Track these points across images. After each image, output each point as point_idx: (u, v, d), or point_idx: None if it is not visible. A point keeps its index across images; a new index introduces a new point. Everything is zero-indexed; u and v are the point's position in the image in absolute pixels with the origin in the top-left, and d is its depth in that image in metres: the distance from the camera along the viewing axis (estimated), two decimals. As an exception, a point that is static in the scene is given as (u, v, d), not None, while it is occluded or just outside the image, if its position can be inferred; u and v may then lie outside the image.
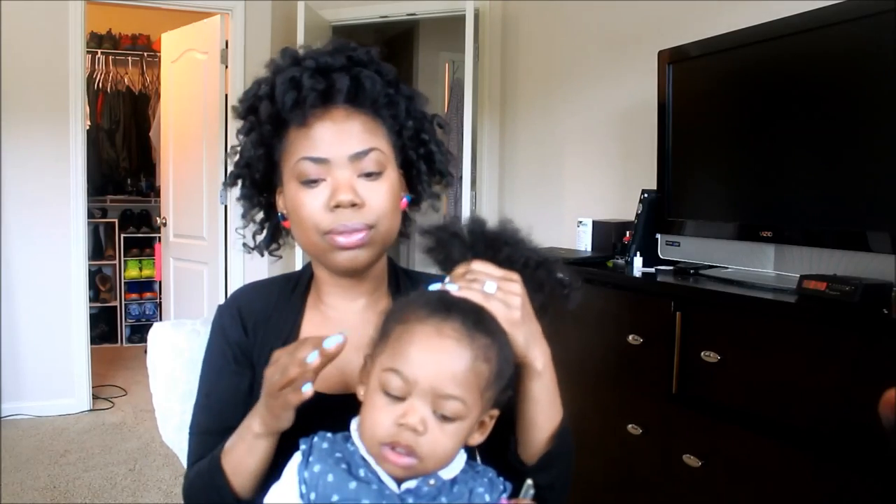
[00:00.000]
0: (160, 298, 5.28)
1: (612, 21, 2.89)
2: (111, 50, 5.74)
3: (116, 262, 5.62)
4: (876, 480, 1.35)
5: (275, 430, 0.82)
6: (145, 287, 5.69)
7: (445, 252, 0.83)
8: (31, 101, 3.71)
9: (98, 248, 5.56)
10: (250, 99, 0.95)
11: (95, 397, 3.99)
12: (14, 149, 3.69)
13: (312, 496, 0.74)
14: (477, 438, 0.77)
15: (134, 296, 5.67)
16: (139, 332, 5.51)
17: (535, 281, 0.84)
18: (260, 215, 1.05)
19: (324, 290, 1.00)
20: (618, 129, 2.88)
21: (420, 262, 0.96)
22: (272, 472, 0.87)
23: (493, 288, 0.79)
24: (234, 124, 1.02)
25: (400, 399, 0.71)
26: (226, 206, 4.05)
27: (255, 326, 0.99)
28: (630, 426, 1.96)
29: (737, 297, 1.72)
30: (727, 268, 2.01)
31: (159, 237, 4.84)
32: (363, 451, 0.75)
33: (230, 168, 1.04)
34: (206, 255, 4.22)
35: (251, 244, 1.07)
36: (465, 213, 3.43)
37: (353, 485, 0.73)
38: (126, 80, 5.79)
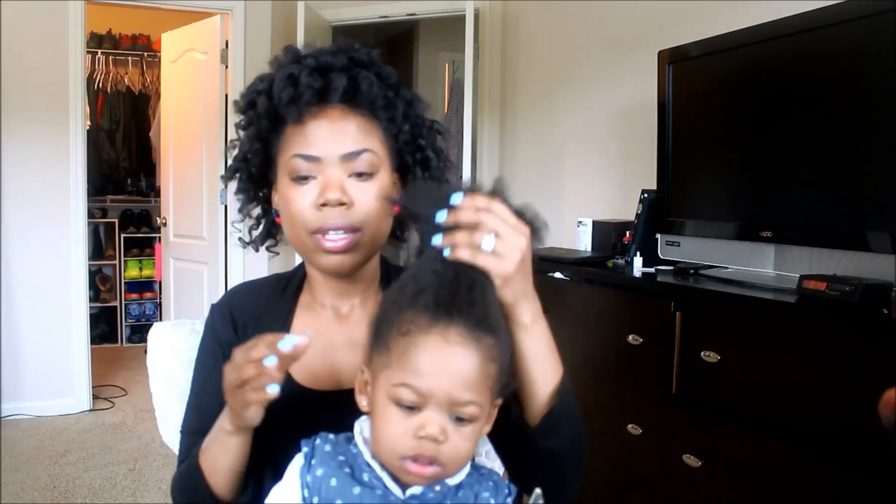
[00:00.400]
0: (160, 298, 5.28)
1: (612, 21, 2.89)
2: (111, 50, 5.75)
3: (116, 262, 5.62)
4: (876, 480, 1.35)
5: (242, 428, 0.81)
6: (145, 287, 5.69)
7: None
8: (31, 101, 3.71)
9: (98, 248, 5.56)
10: (250, 94, 0.96)
11: (95, 397, 3.99)
12: (14, 149, 3.69)
13: (315, 500, 0.73)
14: (485, 430, 0.76)
15: (134, 296, 5.67)
16: (139, 332, 5.51)
17: None
18: (257, 211, 1.05)
19: (316, 289, 1.00)
20: (618, 129, 2.88)
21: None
22: (273, 472, 0.87)
23: (491, 246, 0.74)
24: (235, 119, 1.02)
25: (415, 410, 0.70)
26: (226, 206, 4.05)
27: (246, 326, 0.99)
28: (630, 426, 1.96)
29: (737, 297, 1.72)
30: (727, 268, 2.01)
31: (159, 237, 4.84)
32: (367, 457, 0.75)
33: (229, 163, 1.04)
34: (206, 254, 4.22)
35: (247, 239, 1.07)
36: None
37: (356, 490, 0.73)
38: (126, 80, 5.79)
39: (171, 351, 1.13)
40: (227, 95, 4.02)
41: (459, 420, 0.71)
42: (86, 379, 3.91)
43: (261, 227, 1.06)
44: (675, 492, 1.82)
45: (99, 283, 5.61)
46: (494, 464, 0.98)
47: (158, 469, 3.09)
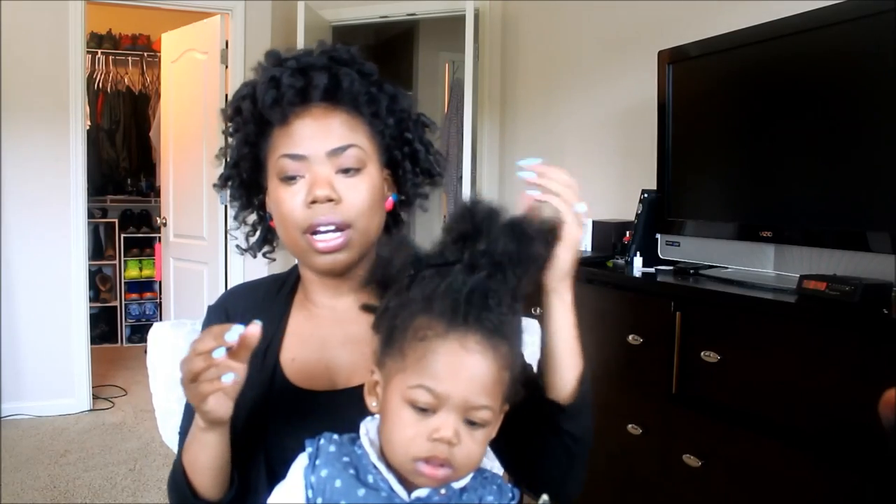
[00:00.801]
0: (160, 298, 5.28)
1: (612, 21, 2.89)
2: (111, 50, 5.75)
3: (116, 262, 5.62)
4: (876, 480, 1.35)
5: (213, 422, 0.80)
6: (145, 287, 5.69)
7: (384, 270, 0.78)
8: (31, 101, 3.71)
9: (98, 248, 5.56)
10: (235, 100, 0.97)
11: (95, 397, 3.99)
12: (14, 149, 3.69)
13: (319, 501, 0.73)
14: (492, 435, 0.77)
15: (134, 296, 5.67)
16: (139, 332, 5.51)
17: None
18: (252, 217, 1.05)
19: (310, 289, 1.00)
20: (618, 129, 2.88)
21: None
22: (268, 471, 0.87)
23: (584, 210, 0.82)
24: (222, 127, 1.02)
25: (429, 413, 0.71)
26: (226, 207, 4.05)
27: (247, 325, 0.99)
28: (630, 426, 1.96)
29: (737, 297, 1.72)
30: (727, 268, 2.01)
31: (159, 237, 4.84)
32: (374, 458, 0.75)
33: (220, 171, 1.04)
34: (206, 255, 4.22)
35: (244, 245, 1.07)
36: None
37: (361, 491, 0.73)
38: (126, 80, 5.79)
39: (171, 351, 1.13)
40: (227, 95, 4.01)
41: (472, 424, 0.72)
42: (86, 379, 3.91)
43: (257, 233, 1.06)
44: (675, 492, 1.82)
45: (99, 283, 5.61)
46: (493, 464, 0.98)
47: (158, 469, 3.09)
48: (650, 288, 2.03)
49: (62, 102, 3.77)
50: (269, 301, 1.02)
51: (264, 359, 0.95)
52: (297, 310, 1.01)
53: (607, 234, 2.43)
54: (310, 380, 0.95)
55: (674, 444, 1.82)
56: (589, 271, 2.23)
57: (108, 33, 5.74)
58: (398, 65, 5.21)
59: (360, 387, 0.79)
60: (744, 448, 1.64)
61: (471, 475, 0.77)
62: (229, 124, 0.99)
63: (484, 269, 0.73)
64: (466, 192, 3.53)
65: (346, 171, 0.91)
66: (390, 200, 0.99)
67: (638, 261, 2.18)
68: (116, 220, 5.66)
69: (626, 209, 2.55)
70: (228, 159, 1.00)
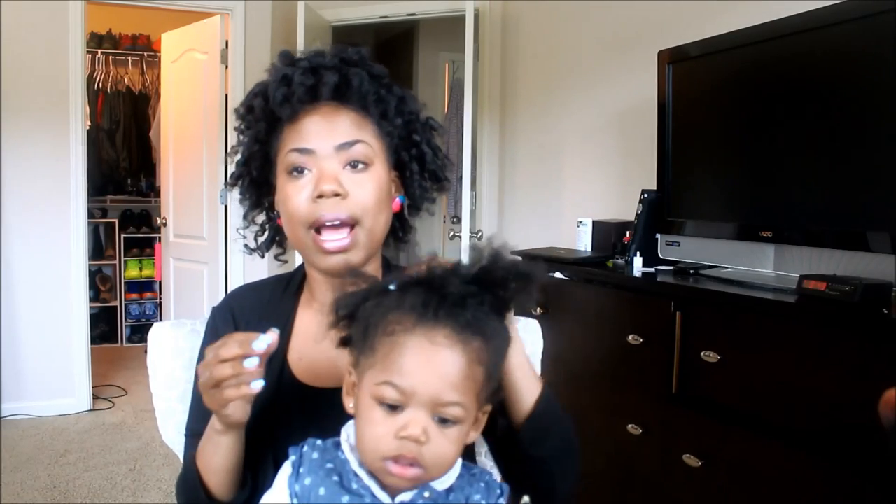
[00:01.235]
0: (160, 298, 5.28)
1: (612, 21, 2.89)
2: (111, 50, 5.75)
3: (116, 262, 5.62)
4: (876, 480, 1.35)
5: (230, 425, 0.82)
6: (145, 287, 5.69)
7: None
8: (31, 101, 3.71)
9: (98, 248, 5.56)
10: (248, 99, 0.98)
11: (95, 397, 3.99)
12: (14, 149, 3.69)
13: None
14: (472, 436, 0.76)
15: (134, 296, 5.67)
16: (139, 332, 5.51)
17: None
18: (261, 217, 1.06)
19: (316, 288, 1.01)
20: (617, 129, 2.88)
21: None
22: (276, 469, 0.87)
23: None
24: (235, 125, 1.04)
25: (398, 410, 0.70)
26: (226, 206, 4.05)
27: (248, 328, 0.99)
28: (630, 426, 1.96)
29: (737, 297, 1.72)
30: (727, 268, 2.01)
31: (159, 237, 4.84)
32: (354, 465, 0.74)
33: (230, 167, 1.05)
34: (206, 255, 4.22)
35: (252, 245, 1.07)
36: (465, 213, 3.43)
37: (345, 499, 0.72)
38: (126, 80, 5.79)
39: (171, 351, 1.13)
40: (227, 95, 4.02)
41: (443, 422, 0.70)
42: (86, 379, 3.91)
43: (266, 233, 1.07)
44: (675, 492, 1.82)
45: (99, 283, 5.61)
46: (489, 461, 0.98)
47: (158, 469, 3.09)
48: (650, 288, 2.03)
49: (62, 102, 3.77)
50: (275, 301, 1.02)
51: (271, 358, 0.95)
52: (304, 308, 1.02)
53: (607, 234, 2.43)
54: (317, 378, 0.96)
55: (674, 444, 1.82)
56: (589, 271, 2.23)
57: (108, 33, 5.74)
58: (398, 65, 5.21)
59: None
60: (744, 448, 1.64)
61: (456, 474, 0.76)
62: (241, 122, 1.00)
63: (474, 288, 0.73)
64: (466, 192, 3.53)
65: (353, 166, 0.92)
66: (397, 202, 0.99)
67: (638, 261, 2.18)
68: (116, 220, 5.66)
69: (626, 209, 2.55)
70: (239, 157, 1.01)
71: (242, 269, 4.08)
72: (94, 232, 5.49)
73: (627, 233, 2.30)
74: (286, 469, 0.76)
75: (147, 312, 5.68)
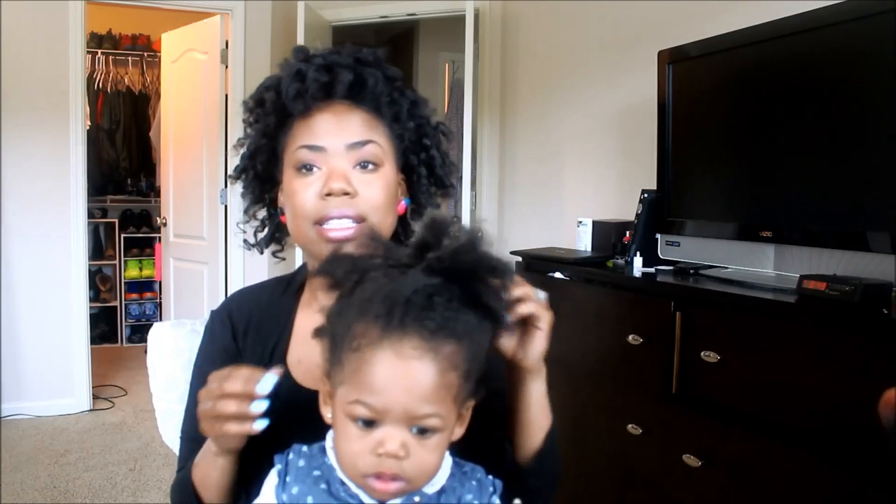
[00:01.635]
0: (160, 298, 5.28)
1: (612, 21, 2.89)
2: (111, 50, 5.75)
3: (116, 262, 5.62)
4: (876, 480, 1.35)
5: (225, 451, 0.81)
6: (145, 287, 5.69)
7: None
8: (31, 101, 3.71)
9: (98, 248, 5.56)
10: (259, 92, 0.98)
11: (95, 397, 3.99)
12: (14, 149, 3.69)
13: None
14: (458, 433, 0.75)
15: (134, 296, 5.67)
16: (139, 332, 5.51)
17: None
18: (262, 213, 1.05)
19: (317, 288, 1.00)
20: (618, 130, 2.88)
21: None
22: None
23: (543, 296, 0.80)
24: (244, 117, 1.03)
25: (373, 426, 0.68)
26: (226, 206, 4.05)
27: (246, 330, 0.99)
28: (630, 426, 1.96)
29: (737, 297, 1.72)
30: (727, 268, 2.01)
31: (159, 237, 4.84)
32: (340, 473, 0.73)
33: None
34: (206, 255, 4.22)
35: (251, 241, 1.07)
36: (465, 213, 3.43)
37: None
38: (126, 80, 5.79)
39: (171, 351, 1.13)
40: (227, 95, 4.02)
41: (422, 432, 0.68)
42: (86, 379, 3.91)
43: (266, 229, 1.06)
44: (675, 492, 1.82)
45: (99, 283, 5.61)
46: None
47: (158, 469, 3.09)
48: (650, 288, 2.03)
49: (62, 102, 3.77)
50: (275, 302, 1.02)
51: (270, 360, 0.95)
52: (304, 310, 1.01)
53: (607, 234, 2.42)
54: (316, 381, 0.95)
55: (674, 444, 1.82)
56: (589, 271, 2.23)
57: (108, 33, 5.74)
58: (398, 65, 5.13)
59: None
60: (744, 448, 1.64)
61: (447, 474, 0.74)
62: (250, 115, 1.00)
63: (441, 275, 0.70)
64: (466, 192, 3.53)
65: (363, 166, 0.92)
66: (402, 204, 0.99)
67: (638, 261, 2.18)
68: (116, 220, 5.66)
69: (626, 209, 2.55)
70: (245, 150, 1.01)
71: (242, 269, 4.08)
72: (94, 232, 5.48)
73: (627, 233, 2.30)
74: (272, 478, 0.75)
75: (147, 312, 5.68)
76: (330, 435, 0.75)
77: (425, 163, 1.00)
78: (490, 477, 0.78)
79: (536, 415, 0.86)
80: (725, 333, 1.70)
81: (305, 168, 0.92)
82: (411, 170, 1.00)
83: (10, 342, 3.72)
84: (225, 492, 0.86)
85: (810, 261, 1.76)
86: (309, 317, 1.00)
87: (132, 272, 5.66)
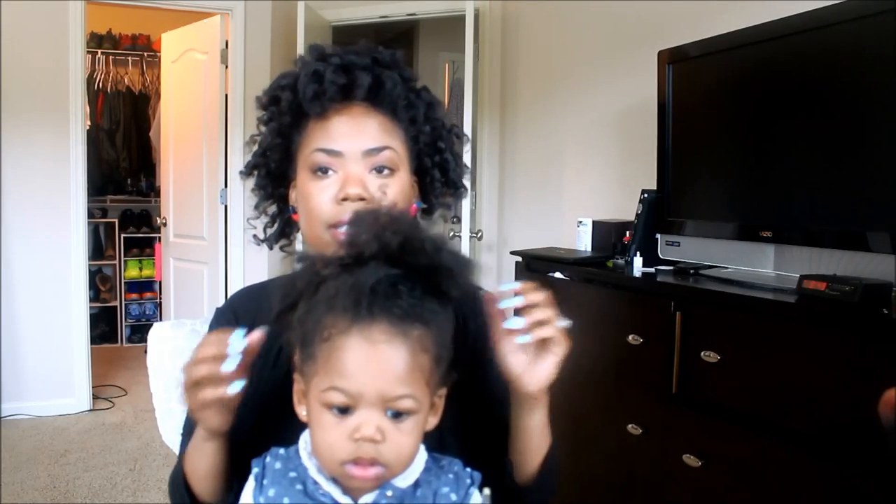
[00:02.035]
0: (160, 298, 5.28)
1: (612, 21, 2.89)
2: (111, 50, 5.75)
3: (116, 262, 5.62)
4: (876, 480, 1.35)
5: (213, 433, 0.80)
6: (145, 287, 5.69)
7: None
8: (31, 101, 3.71)
9: (98, 248, 5.56)
10: (274, 89, 0.97)
11: (95, 397, 3.99)
12: (14, 149, 3.69)
13: None
14: (432, 423, 0.75)
15: (134, 296, 5.67)
16: (139, 332, 5.51)
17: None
18: (273, 209, 1.06)
19: None
20: (618, 129, 2.88)
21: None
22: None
23: (565, 324, 0.82)
24: (258, 115, 1.02)
25: (348, 413, 0.69)
26: (226, 206, 4.05)
27: (251, 329, 0.99)
28: (630, 426, 1.96)
29: (737, 297, 1.72)
30: (727, 268, 2.01)
31: (159, 237, 4.84)
32: (313, 472, 0.73)
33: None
34: (206, 255, 4.22)
35: (261, 236, 1.07)
36: (465, 213, 3.43)
37: None
38: (126, 80, 5.79)
39: (171, 351, 1.13)
40: (226, 95, 4.02)
41: (397, 416, 0.69)
42: (86, 379, 3.91)
43: (276, 225, 1.07)
44: (675, 492, 1.82)
45: (99, 283, 5.61)
46: None
47: (158, 469, 3.09)
48: (650, 288, 2.03)
49: (62, 102, 3.77)
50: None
51: (277, 359, 0.95)
52: None
53: (607, 234, 2.42)
54: None
55: (674, 444, 1.82)
56: (589, 271, 2.23)
57: (108, 33, 5.74)
58: (398, 65, 5.19)
59: None
60: (744, 448, 1.64)
61: (421, 468, 0.74)
62: (264, 113, 0.99)
63: (400, 269, 0.71)
64: (467, 191, 3.53)
65: (379, 171, 0.92)
66: (414, 207, 1.00)
67: (638, 261, 2.18)
68: (116, 220, 5.66)
69: (626, 209, 2.55)
70: (258, 147, 1.01)
71: (242, 269, 4.08)
72: (94, 232, 5.49)
73: (627, 233, 2.30)
74: (250, 483, 0.75)
75: (147, 312, 5.68)
76: (303, 436, 0.76)
77: (439, 165, 1.00)
78: (468, 469, 0.77)
79: (537, 441, 0.86)
80: (725, 333, 1.70)
81: (321, 171, 0.92)
82: (425, 172, 1.00)
83: (10, 342, 3.72)
84: (214, 480, 0.85)
85: (810, 261, 1.76)
86: None
87: (132, 272, 5.66)
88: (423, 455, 0.75)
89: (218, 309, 1.04)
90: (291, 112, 0.94)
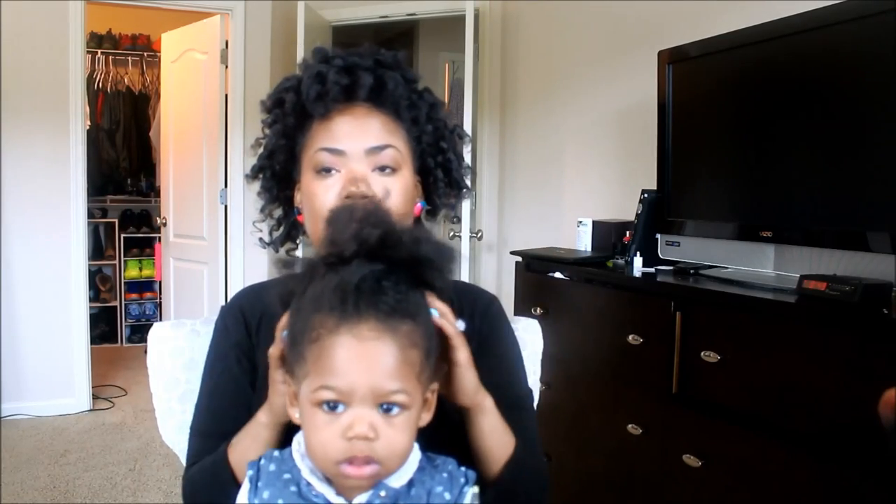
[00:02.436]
0: (160, 298, 5.28)
1: (612, 21, 2.90)
2: (111, 50, 5.75)
3: (116, 262, 5.62)
4: (876, 480, 1.36)
5: (276, 419, 0.83)
6: (145, 287, 5.69)
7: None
8: (31, 101, 3.71)
9: (98, 248, 5.56)
10: (278, 92, 0.98)
11: (95, 397, 3.99)
12: (14, 149, 3.69)
13: None
14: (425, 419, 0.75)
15: (134, 296, 5.67)
16: (139, 332, 5.51)
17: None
18: (278, 212, 1.06)
19: None
20: (618, 129, 2.88)
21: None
22: None
23: (463, 326, 0.80)
24: (262, 117, 1.03)
25: (340, 411, 0.69)
26: (226, 206, 4.05)
27: (259, 326, 0.99)
28: (630, 426, 1.96)
29: (737, 297, 1.72)
30: (727, 268, 2.01)
31: (159, 237, 4.84)
32: (305, 473, 0.73)
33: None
34: (206, 255, 4.22)
35: (267, 239, 1.07)
36: (465, 213, 3.43)
37: None
38: (126, 80, 5.79)
39: (171, 351, 1.13)
40: (226, 95, 4.02)
41: (389, 411, 0.69)
42: (86, 379, 3.91)
43: (281, 228, 1.07)
44: (675, 492, 1.82)
45: (99, 283, 5.61)
46: None
47: (158, 469, 3.09)
48: (650, 288, 2.03)
49: (62, 102, 3.76)
50: None
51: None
52: None
53: (607, 234, 2.42)
54: None
55: (674, 444, 1.82)
56: (589, 271, 2.23)
57: (108, 33, 5.74)
58: (398, 65, 5.19)
59: None
60: (744, 448, 1.64)
61: (414, 468, 0.74)
62: (268, 115, 1.00)
63: (382, 264, 0.71)
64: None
65: (382, 169, 0.93)
66: (418, 206, 1.00)
67: (638, 261, 2.18)
68: (116, 220, 5.66)
69: (626, 209, 2.55)
70: (263, 150, 1.02)
71: (242, 269, 4.08)
72: (94, 232, 5.49)
73: (627, 233, 2.30)
74: (245, 486, 0.75)
75: (147, 312, 5.68)
76: (297, 437, 0.76)
77: (442, 165, 1.01)
78: (463, 468, 0.77)
79: (492, 446, 0.86)
80: (725, 333, 1.70)
81: (325, 170, 0.92)
82: (428, 172, 1.01)
83: (10, 342, 3.72)
84: None
85: (810, 261, 1.76)
86: None
87: (132, 272, 5.66)
88: (416, 454, 0.75)
89: (223, 307, 1.04)
90: (295, 113, 0.95)
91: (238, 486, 0.85)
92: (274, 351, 0.80)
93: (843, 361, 1.43)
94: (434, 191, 1.02)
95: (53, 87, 3.75)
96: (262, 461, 0.76)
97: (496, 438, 0.86)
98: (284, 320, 0.78)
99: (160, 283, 5.06)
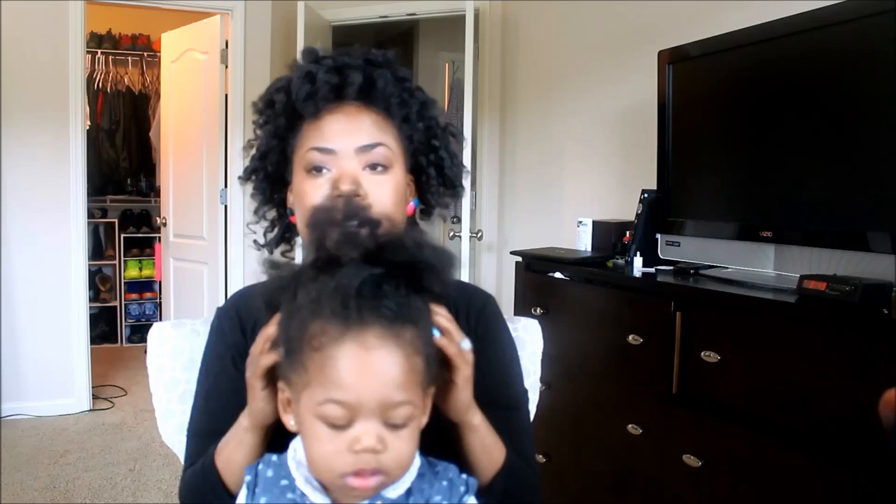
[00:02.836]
0: (160, 298, 5.28)
1: (612, 21, 2.90)
2: (111, 50, 5.75)
3: (116, 262, 5.62)
4: (876, 480, 1.35)
5: (259, 422, 0.82)
6: (145, 287, 5.69)
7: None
8: (31, 101, 3.71)
9: (98, 248, 5.56)
10: (269, 93, 0.98)
11: (95, 397, 3.99)
12: (14, 149, 3.69)
13: None
14: (423, 421, 0.74)
15: (134, 296, 5.67)
16: (139, 332, 5.51)
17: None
18: (272, 214, 1.06)
19: None
20: (618, 129, 2.88)
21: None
22: None
23: (469, 346, 0.79)
24: (253, 118, 1.03)
25: (346, 424, 0.66)
26: (226, 206, 4.05)
27: (255, 328, 0.99)
28: (630, 426, 1.96)
29: (737, 297, 1.72)
30: (727, 268, 2.01)
31: (159, 237, 4.84)
32: (300, 483, 0.71)
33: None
34: (206, 255, 4.22)
35: (261, 241, 1.07)
36: (465, 213, 3.43)
37: None
38: (126, 80, 5.79)
39: (171, 351, 1.13)
40: (226, 95, 4.02)
41: (397, 426, 0.67)
42: (86, 379, 3.91)
43: (275, 230, 1.07)
44: (675, 492, 1.82)
45: (99, 283, 5.61)
46: None
47: (158, 469, 3.09)
48: (650, 288, 2.03)
49: (62, 102, 3.77)
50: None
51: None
52: None
53: (607, 234, 2.42)
54: None
55: (674, 444, 1.82)
56: (589, 271, 2.23)
57: (108, 33, 5.74)
58: (398, 65, 5.19)
59: None
60: (744, 448, 1.64)
61: (413, 475, 0.72)
62: (260, 116, 1.00)
63: (380, 266, 0.69)
64: (466, 192, 3.53)
65: (373, 168, 0.92)
66: (411, 205, 1.00)
67: (638, 261, 2.18)
68: (116, 220, 5.66)
69: (626, 209, 2.55)
70: (255, 151, 1.01)
71: (242, 269, 4.08)
72: (94, 232, 5.49)
73: (627, 233, 2.30)
74: (242, 491, 0.75)
75: (147, 312, 5.68)
76: (293, 443, 0.74)
77: (434, 164, 1.00)
78: (464, 476, 0.76)
79: (480, 459, 0.86)
80: (725, 333, 1.70)
81: (315, 169, 0.92)
82: (420, 170, 1.00)
83: (10, 342, 3.72)
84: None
85: (810, 261, 1.76)
86: None
87: (132, 272, 5.66)
88: (417, 461, 0.74)
89: (219, 308, 1.04)
90: (286, 114, 0.95)
91: (225, 489, 0.86)
92: (266, 360, 0.77)
93: (843, 361, 1.43)
94: (427, 189, 1.01)
95: (53, 87, 3.75)
96: (261, 466, 0.74)
97: (485, 454, 0.86)
98: (273, 327, 0.77)
99: (160, 283, 5.06)
